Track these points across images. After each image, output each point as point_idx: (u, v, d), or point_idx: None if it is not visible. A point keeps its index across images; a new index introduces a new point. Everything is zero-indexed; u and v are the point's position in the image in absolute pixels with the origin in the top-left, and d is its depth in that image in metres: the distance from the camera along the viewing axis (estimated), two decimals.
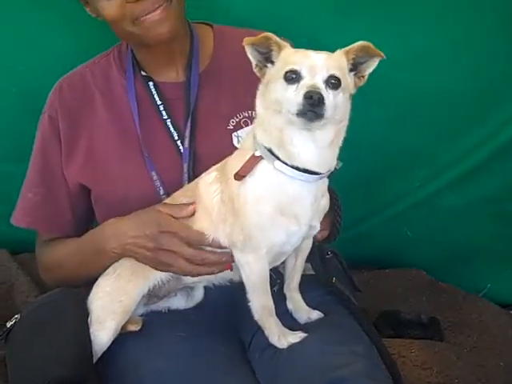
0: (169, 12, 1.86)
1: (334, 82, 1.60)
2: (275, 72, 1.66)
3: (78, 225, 2.11)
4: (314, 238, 1.94)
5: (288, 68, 1.61)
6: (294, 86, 1.60)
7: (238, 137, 2.01)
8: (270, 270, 1.86)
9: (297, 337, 1.81)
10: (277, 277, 1.99)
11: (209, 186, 1.82)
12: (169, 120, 2.00)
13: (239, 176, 1.70)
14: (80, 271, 2.00)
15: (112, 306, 1.88)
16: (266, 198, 1.71)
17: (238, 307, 1.93)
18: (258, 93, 1.73)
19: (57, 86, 2.07)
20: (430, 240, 2.99)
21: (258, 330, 1.85)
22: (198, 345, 1.88)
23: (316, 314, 1.94)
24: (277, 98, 1.64)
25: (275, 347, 1.81)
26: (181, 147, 1.99)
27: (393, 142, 2.72)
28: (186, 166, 1.97)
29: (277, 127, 1.66)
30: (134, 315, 1.97)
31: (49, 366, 1.75)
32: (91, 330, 1.87)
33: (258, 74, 1.70)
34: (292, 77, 1.60)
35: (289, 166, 1.67)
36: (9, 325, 1.91)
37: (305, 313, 1.94)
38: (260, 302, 1.81)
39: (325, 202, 1.83)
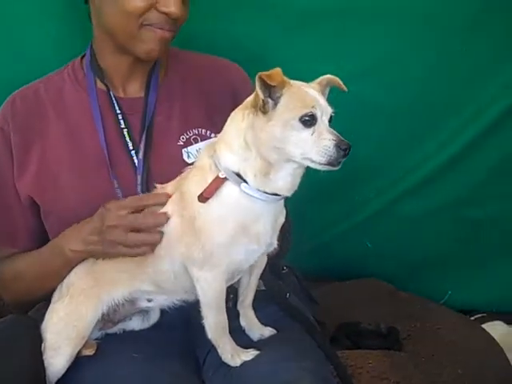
0: (170, 39, 1.95)
1: (329, 119, 1.66)
2: (283, 111, 1.62)
3: (34, 238, 2.10)
4: (267, 253, 1.93)
5: (305, 112, 1.59)
6: (309, 130, 1.60)
7: (187, 152, 2.04)
8: None
9: (249, 355, 1.82)
10: (231, 292, 1.98)
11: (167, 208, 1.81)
12: (125, 130, 2.03)
13: (203, 198, 1.70)
14: (39, 281, 1.97)
15: (66, 331, 1.87)
16: (229, 218, 1.71)
17: (194, 325, 1.92)
18: (241, 122, 1.70)
19: (9, 99, 2.09)
20: (390, 249, 3.01)
21: (212, 347, 1.84)
22: (152, 366, 1.88)
23: (268, 331, 1.95)
24: (285, 139, 1.62)
25: (228, 365, 1.81)
26: (135, 158, 2.01)
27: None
28: (139, 177, 1.99)
29: (267, 161, 1.66)
30: (89, 339, 1.95)
31: None
32: (45, 357, 1.85)
33: (256, 109, 1.66)
34: (308, 120, 1.59)
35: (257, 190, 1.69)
36: None
37: (257, 330, 1.95)
38: (214, 320, 1.81)
39: (282, 219, 1.84)
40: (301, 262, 3.04)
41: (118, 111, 2.04)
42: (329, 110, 1.64)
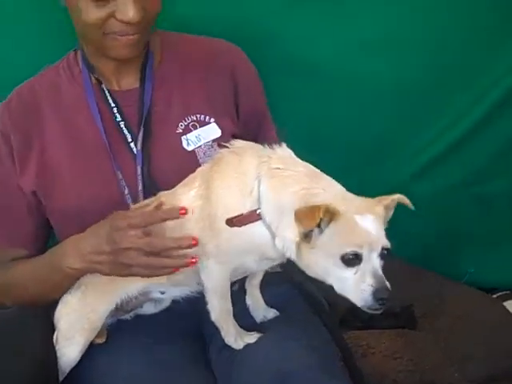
0: (141, 39, 1.89)
1: (384, 253, 1.54)
2: (326, 243, 1.53)
3: (38, 238, 2.10)
4: None
5: (349, 250, 1.49)
6: (353, 269, 1.50)
7: (187, 140, 2.01)
8: None
9: (253, 337, 1.82)
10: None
11: (189, 198, 1.78)
12: (122, 123, 2.01)
13: (232, 224, 1.67)
14: (36, 291, 1.97)
15: (80, 322, 1.88)
16: (251, 246, 1.70)
17: (204, 309, 1.90)
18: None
19: (7, 99, 2.09)
20: (410, 229, 2.95)
21: (216, 330, 1.85)
22: (161, 351, 1.90)
23: (272, 313, 1.95)
24: (326, 272, 1.55)
25: (231, 348, 1.82)
26: (134, 149, 2.00)
27: (358, 134, 2.72)
28: (139, 168, 1.97)
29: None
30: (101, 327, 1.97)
31: (11, 382, 1.74)
32: (58, 347, 1.88)
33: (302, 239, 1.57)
34: (352, 259, 1.50)
35: None
36: None
37: (262, 311, 1.95)
38: (219, 304, 1.81)
39: None
40: None
41: (113, 104, 2.02)
42: (380, 245, 1.51)
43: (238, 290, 1.99)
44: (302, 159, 1.73)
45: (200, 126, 2.02)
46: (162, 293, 1.96)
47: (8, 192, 2.05)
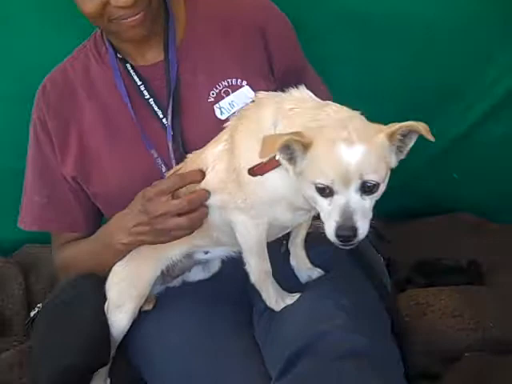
0: (146, 16, 1.84)
1: (370, 187, 1.45)
2: (305, 170, 1.50)
3: (89, 220, 2.12)
4: None
5: (317, 181, 1.46)
6: (327, 200, 1.47)
7: (220, 108, 1.95)
8: None
9: (294, 298, 1.78)
10: (283, 237, 1.94)
11: (214, 154, 1.77)
12: (151, 99, 1.98)
13: (254, 173, 1.64)
14: (93, 268, 2.00)
15: (128, 290, 1.91)
16: (278, 192, 1.65)
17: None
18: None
19: (40, 87, 2.08)
20: (479, 179, 2.80)
21: (258, 293, 1.82)
22: (207, 316, 1.89)
23: (317, 273, 1.89)
24: (313, 201, 1.52)
25: (273, 310, 1.78)
26: (166, 124, 1.96)
27: (417, 81, 2.59)
28: (170, 144, 1.94)
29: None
30: (150, 294, 1.98)
31: (65, 354, 1.80)
32: (109, 316, 1.91)
33: (289, 167, 1.54)
34: (323, 190, 1.46)
35: None
36: (32, 314, 2.01)
37: (306, 271, 1.90)
38: (256, 265, 1.77)
39: None
40: (383, 202, 2.95)
41: (139, 82, 1.98)
42: (358, 178, 1.43)
43: (285, 251, 1.94)
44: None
45: (232, 92, 1.94)
46: (206, 253, 1.95)
47: (52, 180, 2.07)
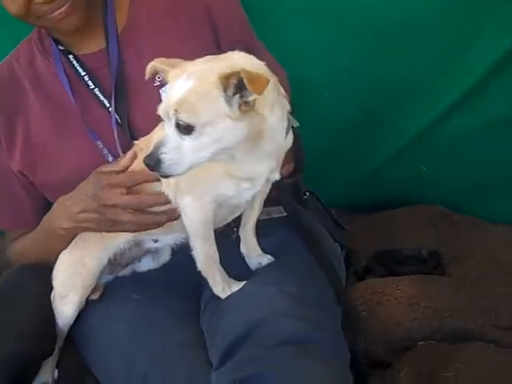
0: (74, 6, 1.80)
1: (183, 126, 1.43)
2: None
3: (40, 215, 2.05)
4: (281, 175, 1.76)
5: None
6: None
7: (165, 92, 1.89)
8: None
9: (240, 285, 1.73)
10: (235, 224, 1.90)
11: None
12: (96, 89, 1.94)
13: None
14: (42, 257, 1.95)
15: (72, 279, 1.86)
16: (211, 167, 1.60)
17: None
18: None
19: None
20: (446, 172, 2.75)
21: (204, 282, 1.77)
22: (152, 305, 1.85)
23: (266, 259, 1.84)
24: None
25: (219, 298, 1.73)
26: (111, 112, 1.92)
27: (385, 72, 2.54)
28: (115, 132, 1.90)
29: None
30: (98, 283, 1.93)
31: (8, 341, 1.74)
32: (54, 305, 1.87)
33: None
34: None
35: None
36: None
37: (256, 257, 1.85)
38: (202, 250, 1.72)
39: (289, 143, 1.67)
40: (353, 193, 2.92)
41: (83, 73, 1.95)
42: (171, 111, 1.44)
43: (235, 238, 1.90)
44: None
45: None
46: (155, 241, 1.90)
47: (2, 175, 2.03)
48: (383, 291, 2.01)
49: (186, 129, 1.43)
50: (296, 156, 1.88)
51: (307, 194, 2.14)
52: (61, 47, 1.97)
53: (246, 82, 1.36)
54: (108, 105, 1.93)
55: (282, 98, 1.57)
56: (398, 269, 2.26)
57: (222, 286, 1.73)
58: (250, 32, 2.08)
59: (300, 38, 2.50)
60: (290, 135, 1.66)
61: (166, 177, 1.51)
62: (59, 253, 1.89)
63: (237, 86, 1.40)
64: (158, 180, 1.66)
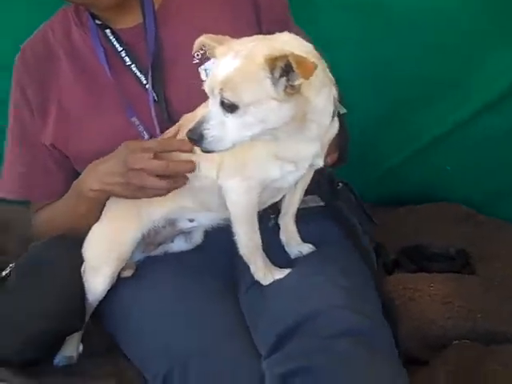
0: None
1: (228, 106, 1.43)
2: None
3: (69, 187, 2.01)
4: (324, 163, 1.75)
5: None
6: None
7: (205, 70, 1.87)
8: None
9: (283, 273, 1.70)
10: (272, 211, 1.88)
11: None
12: (133, 65, 1.90)
13: None
14: (70, 226, 1.92)
15: (107, 252, 1.83)
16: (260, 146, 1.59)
17: (236, 250, 1.81)
18: None
19: (21, 51, 2.00)
20: (472, 173, 2.74)
21: (248, 267, 1.74)
22: (190, 288, 1.81)
23: (307, 248, 1.82)
24: None
25: (260, 284, 1.71)
26: (148, 90, 1.88)
27: (417, 70, 2.52)
28: (152, 110, 1.86)
29: None
30: (130, 261, 1.90)
31: (34, 319, 1.72)
32: (85, 279, 1.83)
33: None
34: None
35: None
36: (4, 274, 1.89)
37: (296, 246, 1.83)
38: (246, 236, 1.70)
39: (333, 132, 1.66)
40: (376, 188, 2.90)
41: (120, 48, 1.91)
42: (216, 89, 1.43)
43: (273, 225, 1.87)
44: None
45: None
46: (191, 221, 1.87)
47: (32, 147, 2.00)
48: (415, 287, 2.00)
49: (230, 107, 1.42)
50: (341, 146, 1.86)
51: (340, 184, 2.11)
52: (98, 21, 1.93)
53: (293, 65, 1.35)
54: (145, 81, 1.89)
55: (330, 82, 1.55)
56: (428, 265, 2.24)
57: (263, 272, 1.71)
58: (290, 16, 2.04)
59: (329, 31, 2.47)
60: (336, 122, 1.65)
61: (208, 152, 1.48)
62: (88, 219, 1.86)
63: (284, 70, 1.39)
64: (190, 151, 1.64)
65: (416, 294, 1.96)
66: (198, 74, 1.88)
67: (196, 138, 1.46)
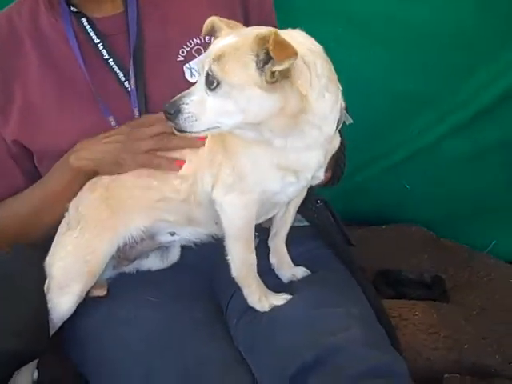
0: None
1: (211, 81, 1.36)
2: None
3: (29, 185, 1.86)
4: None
5: None
6: None
7: (190, 69, 1.76)
8: None
9: (281, 299, 1.58)
10: (256, 230, 1.73)
11: None
12: (111, 60, 1.75)
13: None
14: (35, 215, 1.76)
15: (76, 267, 1.65)
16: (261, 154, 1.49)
17: (217, 269, 1.72)
18: None
19: None
20: (430, 193, 2.75)
21: (236, 291, 1.61)
22: (168, 310, 1.65)
23: (301, 271, 1.71)
24: None
25: (255, 310, 1.57)
26: (129, 88, 1.74)
27: (392, 85, 2.50)
28: (136, 109, 1.72)
29: None
30: (100, 278, 1.72)
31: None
32: (49, 297, 1.64)
33: None
34: None
35: None
36: None
37: (288, 269, 1.71)
38: (241, 255, 1.57)
39: (336, 143, 1.57)
40: (333, 204, 2.83)
41: (97, 40, 1.75)
42: (206, 64, 1.39)
43: (259, 243, 1.73)
44: None
45: (205, 50, 1.70)
46: (172, 234, 1.73)
47: None
48: (400, 315, 1.94)
49: (212, 83, 1.35)
50: (336, 165, 1.76)
51: (319, 202, 2.01)
52: (74, 9, 1.75)
53: (270, 44, 1.28)
54: (123, 78, 1.75)
55: (337, 89, 1.46)
56: (404, 291, 2.19)
57: (258, 296, 1.58)
58: (275, 20, 1.96)
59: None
60: (338, 135, 1.57)
61: (180, 131, 1.41)
62: (57, 207, 1.70)
63: (267, 54, 1.30)
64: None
65: (401, 322, 1.91)
66: (183, 72, 1.76)
67: (172, 111, 1.38)
